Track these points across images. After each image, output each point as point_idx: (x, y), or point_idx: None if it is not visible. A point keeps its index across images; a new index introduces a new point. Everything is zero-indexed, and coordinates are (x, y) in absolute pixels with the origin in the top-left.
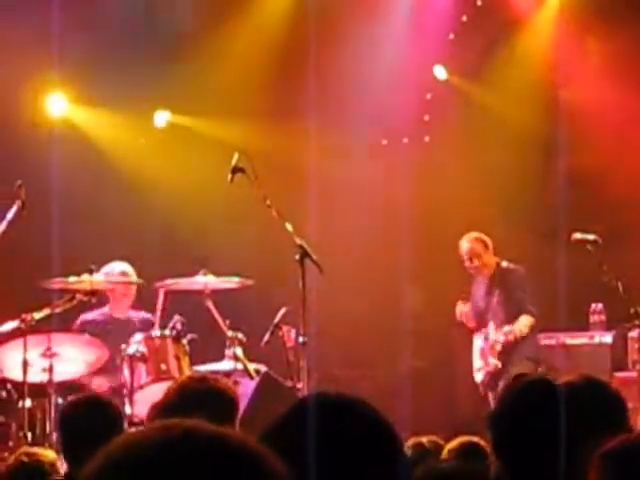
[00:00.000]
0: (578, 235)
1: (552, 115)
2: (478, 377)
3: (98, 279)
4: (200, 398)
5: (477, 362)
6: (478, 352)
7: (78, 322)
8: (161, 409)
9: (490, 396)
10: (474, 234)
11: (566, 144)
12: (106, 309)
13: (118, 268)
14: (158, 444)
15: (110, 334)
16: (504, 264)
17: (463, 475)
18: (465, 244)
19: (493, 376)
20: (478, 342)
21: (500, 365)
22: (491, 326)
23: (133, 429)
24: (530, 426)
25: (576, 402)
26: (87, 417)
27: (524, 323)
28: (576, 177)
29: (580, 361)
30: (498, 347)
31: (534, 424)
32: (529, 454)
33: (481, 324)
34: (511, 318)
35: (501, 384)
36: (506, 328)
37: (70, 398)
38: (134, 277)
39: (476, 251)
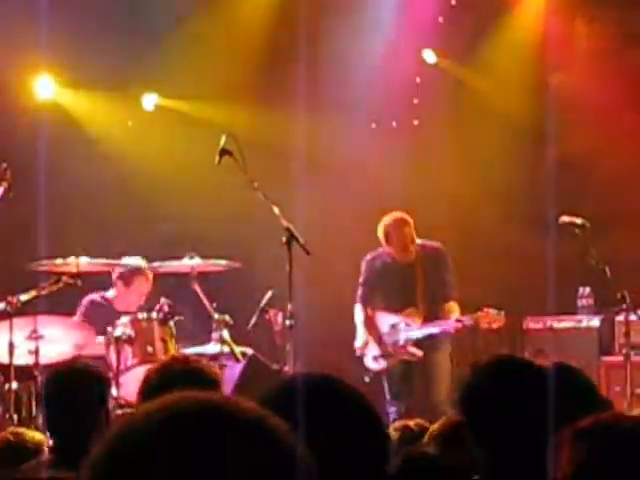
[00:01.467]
0: (566, 218)
1: (541, 99)
2: (375, 364)
3: (84, 262)
4: (181, 379)
5: (375, 348)
6: (385, 336)
7: (85, 302)
8: (142, 390)
9: (389, 387)
10: (401, 214)
11: (555, 128)
12: (108, 294)
13: (130, 262)
14: (163, 420)
15: (108, 323)
16: (420, 241)
17: (443, 465)
18: (406, 229)
19: (407, 365)
20: (382, 324)
21: (421, 354)
22: (412, 313)
23: (119, 411)
24: (504, 407)
25: (549, 386)
26: (72, 385)
27: (457, 311)
28: (564, 161)
29: (567, 345)
30: (419, 336)
31: (508, 405)
32: (504, 435)
33: (389, 308)
34: (433, 302)
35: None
36: (454, 316)
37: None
38: (149, 274)
39: (413, 235)
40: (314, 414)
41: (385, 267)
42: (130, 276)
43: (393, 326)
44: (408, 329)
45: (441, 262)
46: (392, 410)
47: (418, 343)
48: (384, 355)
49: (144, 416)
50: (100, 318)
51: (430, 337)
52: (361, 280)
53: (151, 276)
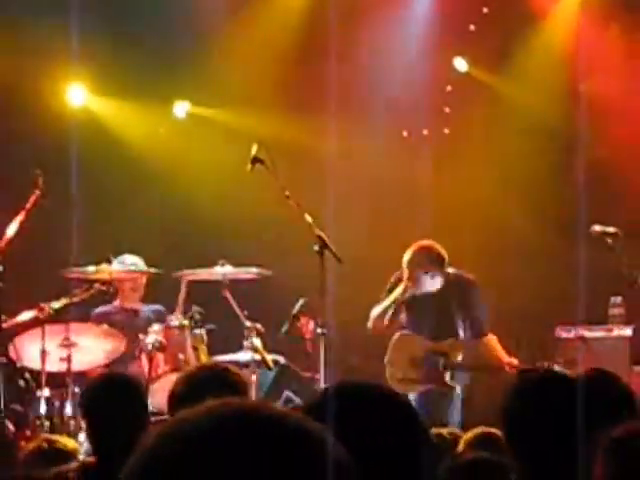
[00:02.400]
0: (598, 228)
1: (573, 107)
2: (403, 388)
3: (117, 269)
4: (209, 387)
5: (408, 371)
6: (418, 360)
7: (93, 317)
8: (171, 398)
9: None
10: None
11: (588, 136)
12: (116, 302)
13: (129, 260)
14: (213, 423)
15: (122, 325)
16: (454, 271)
17: (486, 466)
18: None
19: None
20: (415, 349)
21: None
22: (456, 345)
23: (151, 419)
24: (543, 420)
25: (587, 395)
26: (110, 396)
27: (501, 348)
28: (597, 169)
29: (599, 354)
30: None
31: (546, 418)
32: (542, 447)
33: (424, 334)
34: (471, 335)
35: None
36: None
37: (94, 378)
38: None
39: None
40: (356, 422)
41: (416, 294)
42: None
43: (431, 352)
44: (449, 361)
45: (475, 293)
46: None
47: (455, 375)
48: (413, 380)
49: (184, 423)
50: (117, 323)
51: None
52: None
53: (143, 267)
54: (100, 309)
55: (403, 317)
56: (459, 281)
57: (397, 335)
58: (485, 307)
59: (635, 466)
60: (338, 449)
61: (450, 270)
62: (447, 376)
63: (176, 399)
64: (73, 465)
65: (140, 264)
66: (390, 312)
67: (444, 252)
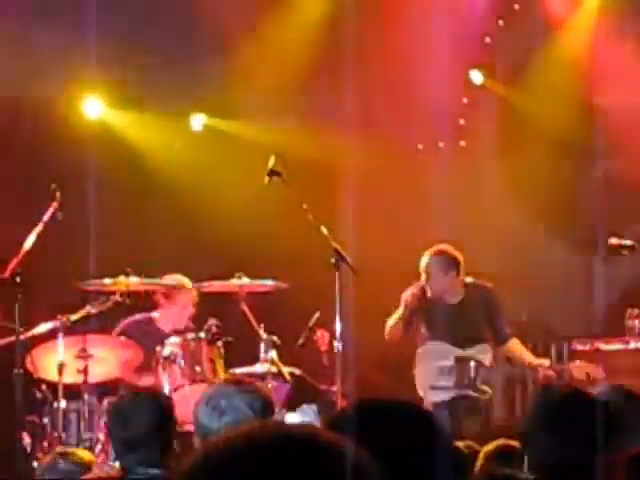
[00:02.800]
0: (614, 240)
1: (589, 120)
2: (436, 396)
3: (134, 281)
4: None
5: (439, 379)
6: (447, 369)
7: (126, 323)
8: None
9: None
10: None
11: (602, 149)
12: (154, 314)
13: (174, 277)
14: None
15: (150, 342)
16: (471, 280)
17: None
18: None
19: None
20: (443, 359)
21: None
22: (486, 351)
23: None
24: (564, 437)
25: (608, 412)
26: (139, 412)
27: (524, 349)
28: (612, 182)
29: (615, 367)
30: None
31: (567, 435)
32: (563, 465)
33: (450, 342)
34: (497, 341)
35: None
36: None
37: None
38: (193, 291)
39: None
40: (384, 439)
41: (434, 302)
42: (173, 293)
43: (460, 359)
44: (480, 366)
45: (496, 301)
46: None
47: (489, 382)
48: (445, 388)
49: (228, 445)
50: (142, 339)
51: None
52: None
53: (195, 293)
54: (133, 319)
55: (422, 328)
56: (480, 290)
57: (423, 345)
58: (503, 310)
59: None
60: (371, 467)
61: (468, 279)
62: (478, 381)
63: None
64: (93, 476)
65: (186, 282)
66: (401, 322)
67: (460, 256)
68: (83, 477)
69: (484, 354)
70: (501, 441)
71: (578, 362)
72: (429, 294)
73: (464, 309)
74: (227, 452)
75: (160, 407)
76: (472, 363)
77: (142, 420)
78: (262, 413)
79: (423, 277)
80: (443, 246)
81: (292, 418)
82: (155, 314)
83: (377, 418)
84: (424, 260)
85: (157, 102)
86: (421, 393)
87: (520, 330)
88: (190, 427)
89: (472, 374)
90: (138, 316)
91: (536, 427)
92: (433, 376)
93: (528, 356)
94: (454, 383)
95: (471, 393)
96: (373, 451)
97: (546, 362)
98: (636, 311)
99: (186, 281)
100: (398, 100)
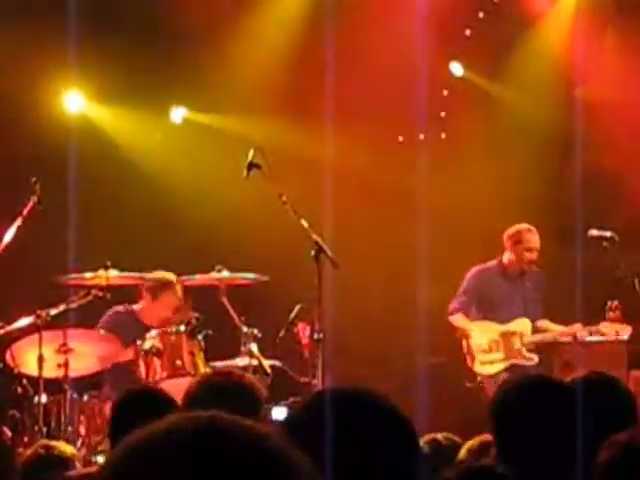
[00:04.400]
0: (594, 232)
1: (569, 112)
2: (487, 369)
3: (114, 275)
4: (225, 393)
5: (491, 354)
6: (494, 343)
7: (109, 314)
8: (185, 403)
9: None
10: (530, 226)
11: (583, 141)
12: (135, 307)
13: (161, 274)
14: (180, 433)
15: (132, 335)
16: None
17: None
18: (535, 237)
19: (523, 369)
20: (490, 333)
21: (537, 360)
22: (524, 322)
23: None
24: (537, 425)
25: (586, 399)
26: (141, 409)
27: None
28: (593, 174)
29: (595, 358)
30: (537, 340)
31: (541, 423)
32: (537, 454)
33: (489, 315)
34: (534, 318)
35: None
36: (579, 328)
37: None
38: (178, 288)
39: (538, 245)
40: (347, 426)
41: (493, 280)
42: (158, 289)
43: (504, 333)
44: (524, 335)
45: (543, 286)
46: None
47: (532, 350)
48: (497, 360)
49: (148, 436)
50: (125, 330)
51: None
52: (462, 290)
53: (180, 290)
54: (116, 310)
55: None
56: (531, 271)
57: (470, 326)
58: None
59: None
60: (304, 463)
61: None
62: (524, 350)
63: (190, 404)
64: (76, 473)
65: (171, 277)
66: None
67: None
68: (69, 473)
69: (526, 326)
70: (486, 436)
71: (607, 323)
72: (496, 269)
73: (524, 284)
74: (145, 448)
75: (162, 407)
76: (516, 336)
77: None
78: (252, 406)
79: (509, 243)
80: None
81: (279, 413)
82: (137, 306)
83: (342, 409)
84: (515, 228)
85: (137, 96)
86: (477, 370)
87: None
88: None
89: (517, 345)
90: (119, 307)
91: (505, 413)
92: (486, 352)
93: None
94: (505, 355)
95: (520, 361)
96: (340, 441)
97: (578, 325)
98: (616, 303)
99: (172, 277)
100: (379, 93)
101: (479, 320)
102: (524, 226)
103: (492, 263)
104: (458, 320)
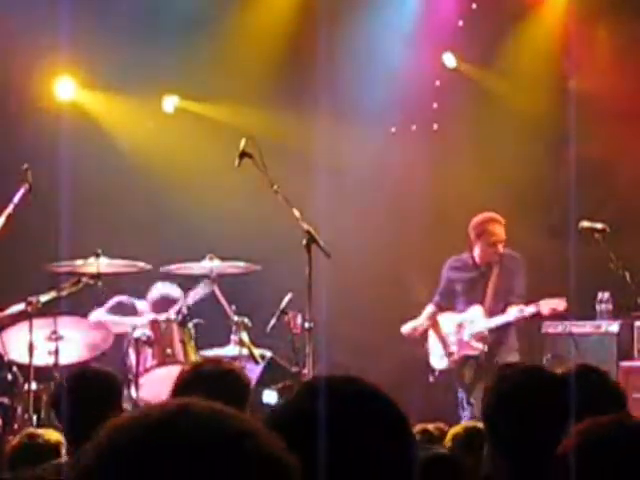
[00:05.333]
0: (586, 223)
1: (561, 103)
2: (441, 363)
3: (104, 262)
4: (212, 381)
5: (440, 348)
6: (450, 335)
7: (113, 301)
8: (175, 392)
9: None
10: (495, 215)
11: (575, 133)
12: (139, 306)
13: (162, 290)
14: (154, 421)
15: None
16: (503, 250)
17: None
18: (498, 227)
19: (476, 361)
20: (449, 324)
21: (484, 348)
22: (477, 310)
23: None
24: (527, 415)
25: (575, 391)
26: (84, 389)
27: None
28: (585, 166)
29: (586, 350)
30: (485, 332)
31: (531, 413)
32: (526, 443)
33: (453, 306)
34: (498, 304)
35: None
36: (515, 309)
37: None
38: (180, 300)
39: (504, 235)
40: (339, 415)
41: (464, 269)
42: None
43: (459, 325)
44: (471, 325)
45: (517, 271)
46: (465, 414)
47: (482, 339)
48: (450, 354)
49: (128, 422)
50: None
51: (493, 331)
52: (440, 287)
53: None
54: (124, 299)
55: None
56: (506, 258)
57: (421, 322)
58: (525, 282)
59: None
60: (289, 463)
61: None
62: (472, 341)
63: (180, 392)
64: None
65: (174, 294)
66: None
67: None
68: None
69: (477, 315)
70: (470, 423)
71: (546, 300)
72: (468, 259)
73: (491, 273)
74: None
75: (107, 385)
76: (466, 324)
77: (85, 400)
78: (241, 394)
79: (473, 235)
80: (490, 213)
81: (270, 396)
82: (140, 305)
83: (330, 396)
84: (477, 220)
85: (129, 83)
86: (435, 364)
87: None
88: None
89: (465, 337)
90: (124, 297)
91: (496, 407)
92: (441, 345)
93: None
94: (457, 348)
95: (468, 352)
96: (329, 430)
97: (516, 309)
98: (606, 294)
99: (177, 293)
100: (370, 83)
101: (448, 311)
102: (487, 216)
103: (466, 254)
104: (424, 312)
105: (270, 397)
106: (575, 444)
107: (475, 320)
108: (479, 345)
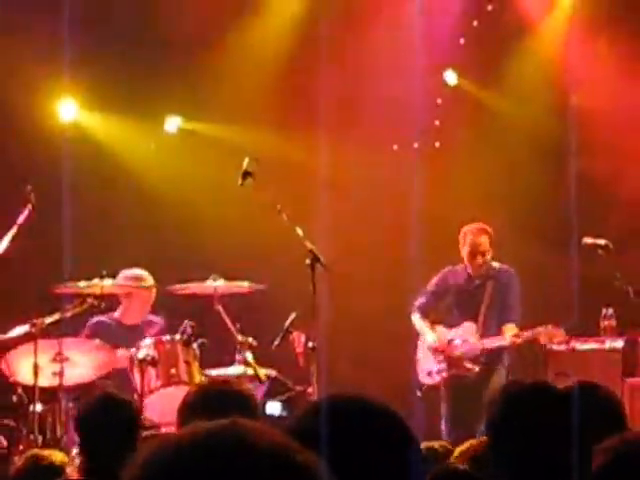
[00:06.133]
0: (589, 240)
1: (563, 119)
2: (428, 378)
3: (108, 283)
4: (220, 402)
5: (432, 364)
6: (442, 351)
7: (90, 324)
8: (181, 411)
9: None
10: (482, 225)
11: (577, 148)
12: (115, 314)
13: (133, 273)
14: (200, 444)
15: (119, 339)
16: (496, 264)
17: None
18: (483, 237)
19: (462, 380)
20: (440, 339)
21: (476, 369)
22: (470, 328)
23: (144, 433)
24: (527, 432)
25: (576, 408)
26: (104, 415)
27: (513, 332)
28: (587, 181)
29: (590, 367)
30: (477, 353)
31: (538, 431)
32: (530, 460)
33: (449, 322)
34: (492, 321)
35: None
36: (511, 334)
37: (87, 397)
38: (150, 282)
39: (488, 246)
40: (346, 434)
41: (457, 282)
42: (131, 286)
43: (450, 341)
44: (464, 344)
45: (511, 286)
46: (444, 430)
47: (474, 359)
48: (439, 371)
49: (173, 444)
50: (110, 336)
51: (486, 353)
52: (428, 289)
53: (151, 282)
54: (101, 318)
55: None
56: (500, 273)
57: (425, 330)
58: (519, 297)
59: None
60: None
61: (495, 264)
62: (464, 361)
63: (187, 412)
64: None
65: (145, 276)
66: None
67: None
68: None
69: (470, 333)
70: (475, 441)
71: (543, 328)
72: (462, 272)
73: (485, 289)
74: (174, 452)
75: (124, 410)
76: (458, 341)
77: (107, 423)
78: (249, 415)
79: (479, 255)
80: (481, 224)
81: (273, 407)
82: (117, 312)
83: (341, 415)
84: (483, 238)
85: (131, 104)
86: (420, 377)
87: None
88: (167, 429)
89: (458, 352)
90: (101, 317)
91: (500, 421)
92: (430, 360)
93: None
94: (447, 365)
95: (460, 372)
96: (337, 448)
97: (511, 333)
98: (611, 311)
99: (145, 275)
100: (372, 101)
101: (439, 324)
102: (474, 225)
103: (461, 265)
104: (415, 321)
105: (274, 408)
106: (605, 462)
107: (468, 338)
108: (470, 365)
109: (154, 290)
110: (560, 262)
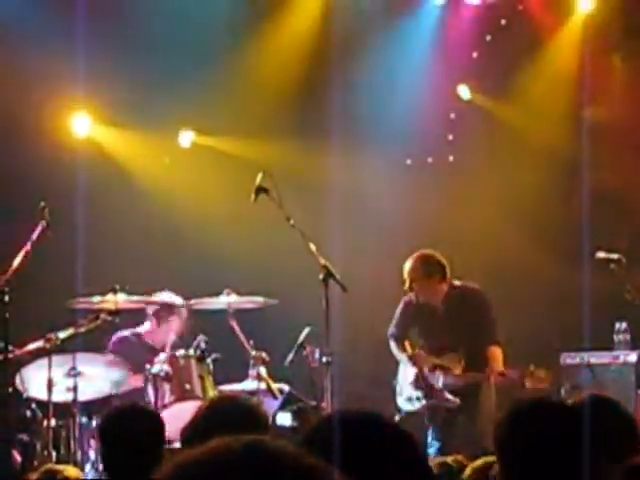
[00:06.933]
0: (602, 254)
1: (576, 134)
2: (410, 406)
3: (122, 299)
4: (230, 418)
5: (412, 390)
6: (417, 380)
7: (114, 340)
8: (192, 428)
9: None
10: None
11: (590, 163)
12: (139, 329)
13: (172, 298)
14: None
15: (140, 357)
16: (459, 282)
17: None
18: (415, 264)
19: (445, 411)
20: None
21: (457, 402)
22: (453, 358)
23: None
24: (542, 449)
25: (586, 422)
26: (128, 427)
27: (499, 359)
28: (600, 196)
29: (604, 381)
30: (460, 385)
31: (546, 447)
32: (536, 473)
33: (428, 349)
34: (474, 347)
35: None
36: (496, 364)
37: (109, 409)
38: (184, 313)
39: (421, 273)
40: (357, 451)
41: (423, 307)
42: (164, 313)
43: (433, 368)
44: (446, 377)
45: (480, 304)
46: (432, 450)
47: (455, 392)
48: (419, 397)
49: (194, 461)
50: (134, 354)
51: (469, 384)
52: (395, 318)
53: (185, 315)
54: (121, 335)
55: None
56: (465, 292)
57: (402, 358)
58: (493, 314)
59: None
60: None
61: (457, 282)
62: (446, 393)
63: (197, 428)
64: None
65: (182, 311)
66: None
67: (444, 260)
68: None
69: (454, 363)
70: (490, 458)
71: (532, 369)
72: (413, 299)
73: (454, 312)
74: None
75: (150, 423)
76: (441, 375)
77: (132, 435)
78: (258, 430)
79: (407, 281)
80: (427, 251)
81: (284, 418)
82: (142, 329)
83: (350, 432)
84: (407, 264)
85: (145, 119)
86: (398, 402)
87: (509, 345)
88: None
89: (439, 385)
90: (125, 332)
91: (508, 434)
92: (409, 386)
93: (494, 364)
94: (426, 393)
95: (440, 403)
96: (348, 466)
97: (499, 362)
98: (624, 325)
99: (177, 299)
100: (386, 116)
101: (418, 349)
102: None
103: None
104: (392, 348)
105: (284, 419)
106: None
107: (451, 368)
108: (452, 399)
109: (184, 320)
110: (573, 276)
